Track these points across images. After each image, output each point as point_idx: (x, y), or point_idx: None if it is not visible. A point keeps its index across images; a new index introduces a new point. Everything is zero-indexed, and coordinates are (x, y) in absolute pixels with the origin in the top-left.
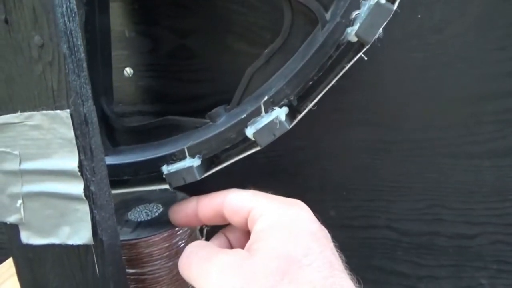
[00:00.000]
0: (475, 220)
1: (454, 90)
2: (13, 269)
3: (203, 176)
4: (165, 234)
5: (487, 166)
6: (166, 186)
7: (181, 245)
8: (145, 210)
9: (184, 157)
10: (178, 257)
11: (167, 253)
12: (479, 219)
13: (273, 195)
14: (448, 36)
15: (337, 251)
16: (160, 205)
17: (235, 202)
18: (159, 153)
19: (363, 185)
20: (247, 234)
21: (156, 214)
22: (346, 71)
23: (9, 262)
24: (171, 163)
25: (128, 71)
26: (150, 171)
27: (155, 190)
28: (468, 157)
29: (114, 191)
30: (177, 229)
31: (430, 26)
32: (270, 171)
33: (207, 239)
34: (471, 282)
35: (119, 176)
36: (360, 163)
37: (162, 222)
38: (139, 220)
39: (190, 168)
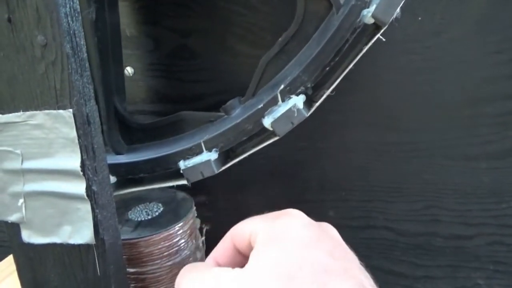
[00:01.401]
0: (471, 221)
1: (452, 92)
2: (12, 267)
3: (220, 170)
4: (166, 234)
5: (484, 168)
6: (184, 182)
7: (182, 245)
8: (145, 210)
9: (201, 151)
10: (178, 257)
11: (167, 252)
12: (475, 220)
13: (268, 213)
14: (447, 39)
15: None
16: (160, 204)
17: (237, 233)
18: (175, 149)
19: (361, 186)
20: None
21: (156, 213)
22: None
23: (8, 260)
24: (188, 158)
25: (129, 70)
26: (167, 167)
27: (156, 189)
28: (466, 159)
29: (131, 190)
30: (177, 228)
31: (430, 29)
32: (270, 172)
33: (207, 238)
34: (467, 282)
35: (135, 174)
36: (358, 164)
37: (162, 222)
38: (139, 219)
39: (207, 162)
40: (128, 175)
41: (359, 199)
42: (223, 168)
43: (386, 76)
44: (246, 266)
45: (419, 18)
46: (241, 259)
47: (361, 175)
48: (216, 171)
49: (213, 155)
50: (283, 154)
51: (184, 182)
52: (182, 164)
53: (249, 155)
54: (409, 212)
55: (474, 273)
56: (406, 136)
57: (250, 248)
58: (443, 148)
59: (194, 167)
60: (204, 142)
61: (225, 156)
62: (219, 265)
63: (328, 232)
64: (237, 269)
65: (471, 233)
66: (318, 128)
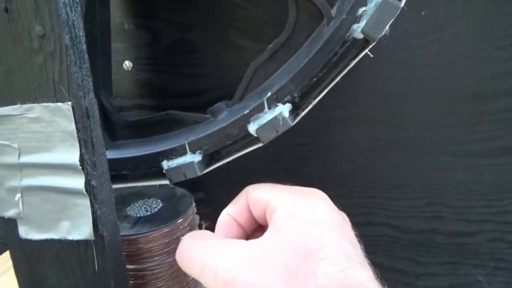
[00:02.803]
0: (473, 218)
1: (455, 88)
2: (7, 265)
3: (203, 172)
4: (165, 230)
5: (486, 165)
6: (166, 182)
7: None
8: (144, 206)
9: (185, 153)
10: None
11: (167, 249)
12: (477, 217)
13: (290, 186)
14: (450, 34)
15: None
16: (159, 200)
17: (253, 196)
18: (159, 148)
19: (363, 182)
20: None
21: (156, 209)
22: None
23: (3, 257)
24: (172, 158)
25: (127, 64)
26: (150, 166)
27: (154, 185)
28: (468, 156)
29: (113, 186)
30: (177, 224)
31: (433, 24)
32: (270, 168)
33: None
34: (468, 279)
35: (118, 170)
36: (360, 160)
37: (162, 218)
38: (138, 215)
39: (191, 163)
40: (111, 171)
41: (361, 195)
42: (207, 170)
43: (388, 71)
44: (264, 238)
45: (423, 13)
46: (253, 222)
47: (363, 172)
48: (199, 173)
49: (196, 157)
50: (284, 150)
51: (166, 181)
52: (166, 164)
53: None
54: (411, 209)
55: (475, 270)
56: (408, 133)
57: (263, 216)
58: (445, 144)
59: (177, 167)
60: (188, 143)
61: (209, 159)
62: (234, 223)
63: (348, 222)
64: (253, 243)
65: (472, 230)
66: (319, 124)
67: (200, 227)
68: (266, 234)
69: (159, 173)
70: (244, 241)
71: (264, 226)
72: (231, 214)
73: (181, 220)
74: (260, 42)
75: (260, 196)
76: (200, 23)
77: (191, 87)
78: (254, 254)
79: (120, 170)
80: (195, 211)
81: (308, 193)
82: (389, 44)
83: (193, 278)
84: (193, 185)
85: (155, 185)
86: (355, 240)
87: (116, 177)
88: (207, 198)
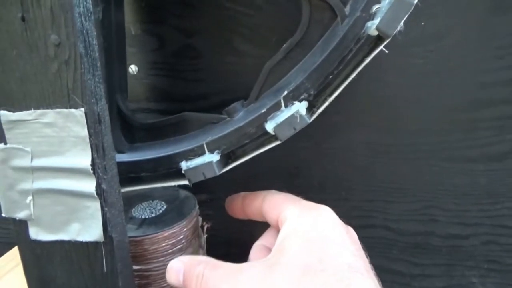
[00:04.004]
0: (468, 221)
1: (452, 96)
2: (12, 263)
3: (222, 172)
4: (170, 232)
5: (481, 170)
6: (185, 182)
7: (185, 242)
8: (149, 207)
9: (203, 153)
10: (182, 254)
11: (172, 250)
12: (472, 220)
13: (301, 199)
14: (448, 43)
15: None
16: (163, 202)
17: (269, 203)
18: (177, 149)
19: (362, 185)
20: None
21: (160, 211)
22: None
23: (8, 255)
24: (190, 159)
25: (133, 68)
26: (169, 167)
27: (159, 187)
28: (464, 161)
29: (132, 188)
30: (181, 226)
31: (432, 33)
32: (271, 171)
33: (208, 236)
34: (462, 281)
35: (137, 173)
36: (359, 164)
37: (166, 220)
38: (143, 217)
39: (209, 163)
40: (129, 173)
41: (360, 198)
42: (224, 170)
43: (388, 78)
44: (270, 256)
45: (422, 23)
46: (260, 217)
47: (361, 175)
48: (218, 173)
49: (215, 157)
50: (285, 154)
51: (185, 182)
52: (184, 165)
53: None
54: (408, 212)
55: (469, 271)
56: (407, 138)
57: (276, 224)
58: (442, 150)
59: (196, 168)
60: (206, 143)
61: (226, 158)
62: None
63: (353, 236)
64: (260, 263)
65: (467, 233)
66: (320, 129)
67: (202, 229)
68: (272, 251)
69: (178, 174)
70: (253, 263)
71: (273, 229)
72: (244, 201)
73: (185, 222)
74: (264, 48)
75: (275, 205)
76: (205, 29)
77: (195, 91)
78: (260, 275)
79: (139, 172)
80: (199, 213)
81: (311, 208)
82: (390, 52)
83: None
84: (195, 187)
85: (159, 188)
86: (359, 252)
87: (135, 179)
88: (210, 199)
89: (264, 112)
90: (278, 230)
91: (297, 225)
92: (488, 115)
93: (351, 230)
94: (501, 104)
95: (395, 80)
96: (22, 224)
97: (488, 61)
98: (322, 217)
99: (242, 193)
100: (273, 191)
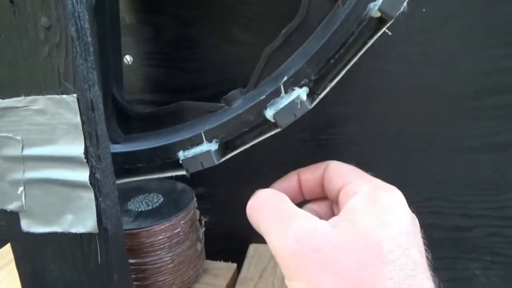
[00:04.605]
0: (471, 213)
1: (455, 84)
2: (6, 259)
3: (220, 161)
4: (167, 224)
5: (484, 160)
6: (183, 172)
7: (183, 235)
8: (145, 200)
9: (201, 142)
10: (179, 247)
11: (169, 243)
12: (475, 212)
13: (371, 176)
14: (451, 31)
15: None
16: (160, 195)
17: (334, 171)
18: (174, 139)
19: None
20: (334, 208)
21: (157, 204)
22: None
23: (3, 251)
24: (188, 148)
25: (128, 58)
26: (166, 157)
27: (155, 180)
28: (467, 151)
29: (128, 180)
30: (178, 219)
31: (434, 21)
32: (270, 163)
33: (206, 230)
34: (465, 273)
35: (133, 164)
36: (360, 155)
37: (163, 212)
38: (139, 209)
39: (208, 152)
40: (125, 164)
41: None
42: (223, 159)
43: (389, 67)
44: (335, 223)
45: (423, 10)
46: (316, 193)
47: (363, 167)
48: (216, 162)
49: (213, 146)
50: (284, 146)
51: (183, 172)
52: (182, 155)
53: (249, 147)
54: (411, 204)
55: (472, 264)
56: (408, 128)
57: (335, 195)
58: (445, 140)
59: (194, 157)
60: (204, 132)
61: (225, 148)
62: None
63: (418, 226)
64: (326, 225)
65: (470, 225)
66: (319, 120)
67: (200, 222)
68: (337, 219)
69: (175, 164)
70: (316, 218)
71: (327, 199)
72: (301, 176)
73: (182, 214)
74: (263, 37)
75: (340, 175)
76: (203, 18)
77: (192, 82)
78: (326, 237)
79: (135, 163)
80: (196, 206)
81: (386, 189)
82: (390, 40)
83: (194, 273)
84: (193, 180)
85: (156, 180)
86: (422, 248)
87: (131, 171)
88: (207, 193)
89: (264, 98)
90: (333, 202)
91: (371, 202)
92: (491, 103)
93: (416, 219)
94: (504, 92)
95: (396, 69)
96: (14, 216)
97: (491, 49)
98: (397, 201)
99: (294, 171)
100: (336, 161)
